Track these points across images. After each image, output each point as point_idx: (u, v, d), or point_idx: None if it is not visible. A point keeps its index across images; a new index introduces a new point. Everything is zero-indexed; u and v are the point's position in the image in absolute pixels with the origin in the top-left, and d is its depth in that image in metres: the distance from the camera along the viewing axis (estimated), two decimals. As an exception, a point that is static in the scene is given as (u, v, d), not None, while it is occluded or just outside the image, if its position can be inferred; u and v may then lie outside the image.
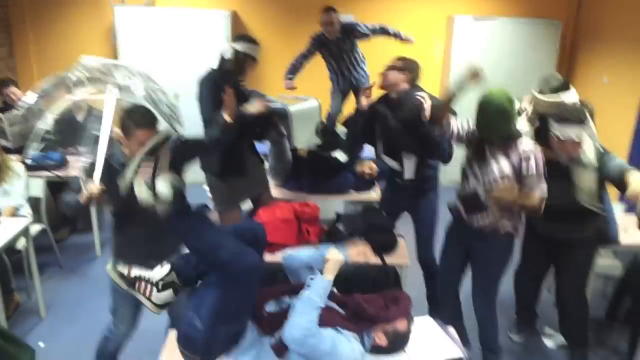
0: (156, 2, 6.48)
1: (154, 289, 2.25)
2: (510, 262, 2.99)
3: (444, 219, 3.31)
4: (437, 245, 3.43)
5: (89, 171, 2.65)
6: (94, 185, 2.48)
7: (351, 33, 4.73)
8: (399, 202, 3.59)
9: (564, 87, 3.01)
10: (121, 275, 2.29)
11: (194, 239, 2.23)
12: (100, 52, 6.60)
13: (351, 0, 6.57)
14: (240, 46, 3.35)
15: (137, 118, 2.46)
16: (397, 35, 4.85)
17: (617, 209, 3.92)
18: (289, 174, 4.17)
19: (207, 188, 3.71)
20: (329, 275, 2.26)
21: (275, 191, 4.10)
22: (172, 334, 2.40)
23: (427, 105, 3.05)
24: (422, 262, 3.62)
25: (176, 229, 2.21)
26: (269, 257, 3.13)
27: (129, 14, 6.15)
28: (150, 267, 2.32)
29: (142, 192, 2.18)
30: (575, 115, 2.72)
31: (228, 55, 3.37)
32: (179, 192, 2.19)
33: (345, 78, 4.94)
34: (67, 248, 4.84)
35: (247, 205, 3.89)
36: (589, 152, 2.84)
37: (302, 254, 2.59)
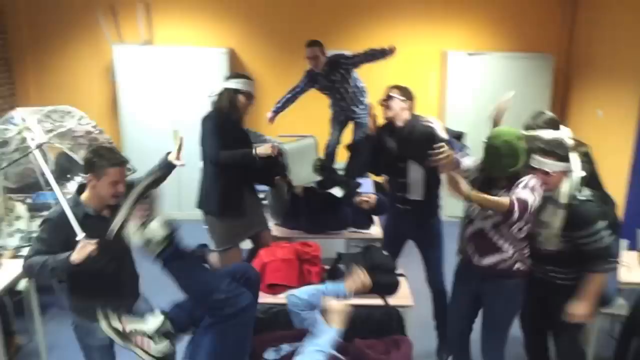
0: (154, 41, 6.56)
1: (151, 342, 2.20)
2: (520, 303, 2.97)
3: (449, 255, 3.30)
4: (447, 268, 3.43)
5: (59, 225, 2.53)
6: (88, 242, 2.40)
7: (337, 64, 4.73)
8: (403, 230, 3.62)
9: (552, 124, 3.04)
10: (117, 331, 2.23)
11: (188, 280, 2.20)
12: (100, 89, 6.67)
13: (345, 36, 6.66)
14: (231, 84, 3.40)
15: (108, 156, 2.47)
16: (383, 52, 4.81)
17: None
18: (287, 212, 4.16)
19: (206, 227, 3.71)
20: (334, 325, 2.23)
21: (274, 230, 4.09)
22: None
23: (438, 124, 3.11)
24: (432, 286, 3.68)
25: (170, 271, 2.18)
26: (270, 299, 3.11)
27: (127, 53, 6.22)
28: (109, 316, 2.27)
29: (135, 235, 2.14)
30: (551, 147, 2.74)
31: (219, 94, 3.43)
32: (173, 233, 2.17)
33: (342, 109, 4.98)
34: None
35: (246, 244, 3.88)
36: (564, 189, 2.77)
37: (303, 291, 2.57)
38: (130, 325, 2.23)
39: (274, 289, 3.17)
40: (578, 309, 2.78)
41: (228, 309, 2.07)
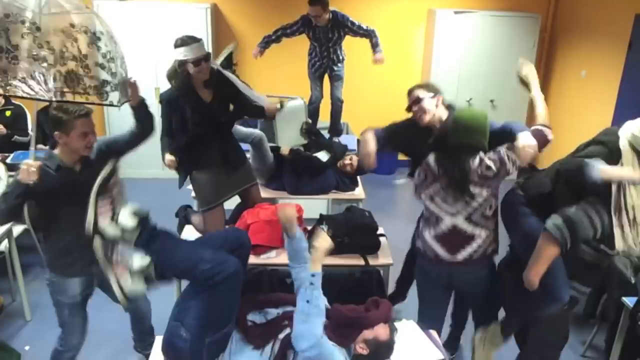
0: (135, -4, 6.39)
1: (129, 279, 2.20)
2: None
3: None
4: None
5: None
6: (31, 164, 2.38)
7: (341, 25, 4.78)
8: None
9: None
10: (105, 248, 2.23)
11: (170, 260, 2.23)
12: (79, 46, 6.51)
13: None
14: (175, 54, 3.23)
15: (73, 109, 2.46)
16: (375, 46, 4.91)
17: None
18: (272, 173, 4.18)
19: (191, 187, 3.70)
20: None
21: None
22: (158, 342, 2.41)
23: None
24: None
25: (150, 255, 2.19)
26: (253, 260, 3.16)
27: (107, 8, 6.06)
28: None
29: (108, 230, 2.17)
30: None
31: (170, 70, 3.35)
32: (143, 220, 2.19)
33: (323, 65, 5.00)
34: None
35: (232, 202, 3.87)
36: None
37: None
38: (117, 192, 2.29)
39: (257, 249, 3.22)
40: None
41: (216, 277, 2.10)
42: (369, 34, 4.88)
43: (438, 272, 2.77)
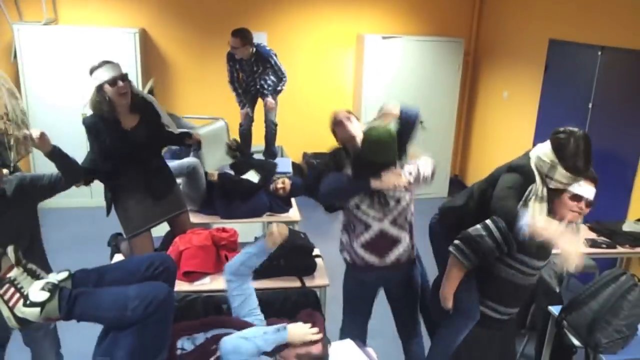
0: (59, 20, 6.20)
1: (21, 301, 1.99)
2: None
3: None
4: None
5: None
6: None
7: (264, 62, 4.87)
8: None
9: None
10: None
11: (97, 318, 2.10)
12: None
13: (263, 16, 6.59)
14: (92, 78, 3.13)
15: None
16: (277, 92, 5.12)
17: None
18: (204, 199, 4.11)
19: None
20: (291, 338, 2.22)
21: (191, 216, 4.01)
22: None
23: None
24: None
25: (78, 319, 2.06)
26: (187, 287, 3.08)
27: (30, 33, 5.84)
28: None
29: (29, 316, 1.99)
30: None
31: (92, 96, 3.17)
32: (55, 290, 2.03)
33: (251, 91, 5.06)
34: None
35: (162, 230, 3.78)
36: None
37: (236, 260, 2.61)
38: (17, 273, 2.03)
39: (190, 276, 3.14)
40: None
41: (148, 309, 2.01)
42: (280, 79, 5.06)
43: (371, 279, 2.93)
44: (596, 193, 2.54)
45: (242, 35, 4.68)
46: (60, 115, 6.06)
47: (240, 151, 4.53)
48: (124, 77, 3.13)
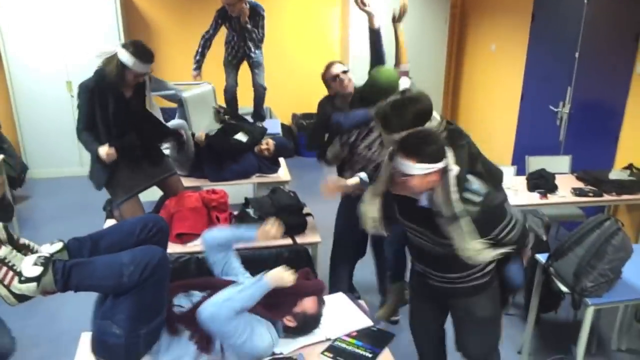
0: (37, -16, 6.05)
1: (16, 278, 1.99)
2: None
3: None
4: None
5: None
6: None
7: (255, 14, 4.71)
8: None
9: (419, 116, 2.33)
10: None
11: (93, 286, 2.11)
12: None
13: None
14: (125, 57, 3.11)
15: None
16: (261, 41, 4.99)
17: (509, 172, 4.24)
18: (192, 163, 4.12)
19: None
20: (271, 283, 2.26)
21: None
22: (85, 338, 2.33)
23: None
24: None
25: (75, 289, 2.07)
26: (180, 248, 3.12)
27: (12, 0, 5.71)
28: None
29: (27, 292, 1.99)
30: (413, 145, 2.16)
31: (109, 58, 3.15)
32: (48, 263, 2.02)
33: (239, 53, 4.94)
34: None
35: (156, 193, 3.79)
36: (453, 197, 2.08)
37: (224, 231, 2.60)
38: (6, 251, 2.02)
39: (183, 238, 3.17)
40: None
41: (144, 273, 2.02)
42: (261, 40, 4.96)
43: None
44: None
45: None
46: (42, 80, 6.01)
47: (228, 115, 4.51)
48: (150, 77, 3.31)
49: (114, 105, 3.18)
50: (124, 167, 3.36)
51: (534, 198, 3.82)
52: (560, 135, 5.02)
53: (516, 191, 3.84)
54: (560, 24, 5.15)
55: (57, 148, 6.24)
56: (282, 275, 2.30)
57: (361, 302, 2.66)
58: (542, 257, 3.10)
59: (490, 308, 2.41)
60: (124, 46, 3.14)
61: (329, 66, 3.32)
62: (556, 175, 4.01)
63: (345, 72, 3.26)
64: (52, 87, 6.03)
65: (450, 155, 2.05)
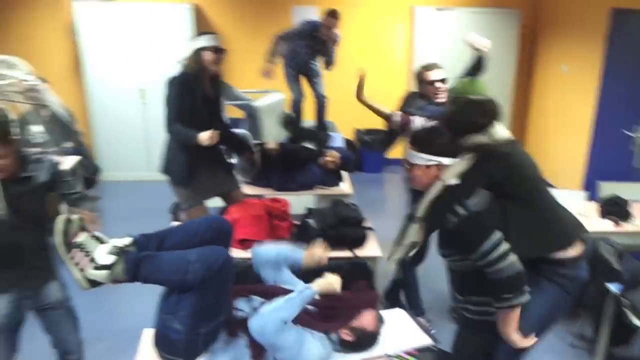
0: (116, -3, 6.36)
1: (91, 265, 2.09)
2: None
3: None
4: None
5: None
6: None
7: (331, 42, 4.93)
8: None
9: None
10: (64, 234, 2.09)
11: (160, 280, 2.17)
12: (61, 48, 6.47)
13: (314, -9, 6.57)
14: (194, 44, 3.33)
15: None
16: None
17: (579, 197, 4.07)
18: (257, 171, 4.18)
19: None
20: (316, 288, 2.28)
21: (244, 188, 4.09)
22: (146, 334, 2.39)
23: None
24: None
25: (143, 281, 2.14)
26: (241, 254, 3.15)
27: (89, 9, 6.02)
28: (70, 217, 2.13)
29: (98, 278, 2.09)
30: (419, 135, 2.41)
31: (189, 57, 3.34)
32: (121, 252, 2.12)
33: (302, 66, 5.07)
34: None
35: (216, 202, 3.87)
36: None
37: (272, 249, 2.60)
38: (84, 238, 2.13)
39: (244, 244, 3.21)
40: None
41: (209, 272, 2.07)
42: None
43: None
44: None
45: (339, 17, 4.80)
46: (116, 88, 6.27)
47: (295, 124, 4.59)
48: (223, 50, 3.36)
49: (200, 102, 3.33)
50: (203, 170, 3.47)
51: (607, 225, 3.66)
52: (635, 160, 4.79)
53: (587, 217, 3.68)
54: (638, 45, 4.94)
55: (128, 152, 6.49)
56: (329, 281, 2.30)
57: (421, 319, 2.61)
58: (614, 287, 2.96)
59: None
60: (192, 39, 3.38)
61: (428, 67, 3.32)
62: (631, 203, 3.82)
63: (443, 80, 3.23)
64: (126, 95, 6.28)
65: (460, 163, 2.08)
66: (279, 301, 2.18)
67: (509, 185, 2.17)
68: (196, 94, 3.33)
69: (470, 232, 2.04)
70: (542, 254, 2.21)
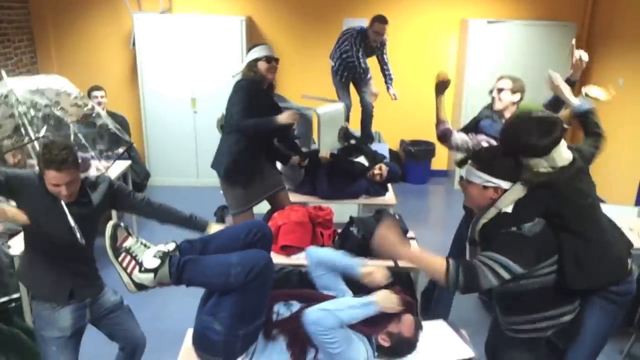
0: (173, 9, 6.59)
1: (137, 268, 2.19)
2: None
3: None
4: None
5: None
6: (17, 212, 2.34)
7: (382, 45, 5.07)
8: None
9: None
10: (113, 239, 2.20)
11: (203, 283, 2.26)
12: (121, 58, 6.75)
13: (365, 2, 6.60)
14: (251, 55, 3.50)
15: (48, 156, 2.22)
16: (387, 78, 5.35)
17: (631, 213, 3.94)
18: (301, 180, 4.23)
19: (221, 192, 3.79)
20: (380, 308, 2.27)
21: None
22: (190, 334, 2.45)
23: None
24: None
25: (187, 284, 2.23)
26: (283, 260, 3.20)
27: (147, 21, 6.26)
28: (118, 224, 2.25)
29: (145, 282, 2.19)
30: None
31: (245, 68, 3.52)
32: (166, 256, 2.20)
33: (352, 74, 5.14)
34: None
35: (263, 207, 3.94)
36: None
37: (330, 252, 2.62)
38: (131, 242, 2.23)
39: (287, 250, 3.25)
40: None
41: (250, 275, 2.12)
42: (385, 66, 5.33)
43: None
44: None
45: (387, 22, 4.93)
46: (170, 101, 6.48)
47: (352, 138, 4.62)
48: (276, 59, 3.53)
49: (264, 108, 3.48)
50: (257, 173, 3.63)
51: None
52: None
53: (638, 233, 3.56)
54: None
55: (177, 159, 6.67)
56: (391, 300, 2.28)
57: (463, 331, 2.57)
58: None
59: None
60: (247, 53, 3.56)
61: (500, 77, 3.32)
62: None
63: (500, 90, 3.23)
64: (178, 104, 6.48)
65: (516, 190, 2.07)
66: (341, 302, 2.21)
67: (564, 216, 2.17)
68: (261, 100, 3.48)
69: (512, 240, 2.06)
70: (601, 286, 2.26)
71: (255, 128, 3.45)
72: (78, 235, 2.37)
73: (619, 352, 3.57)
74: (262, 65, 3.47)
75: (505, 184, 2.11)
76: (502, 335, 2.39)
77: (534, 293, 2.18)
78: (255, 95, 3.44)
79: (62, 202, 2.35)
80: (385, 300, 2.28)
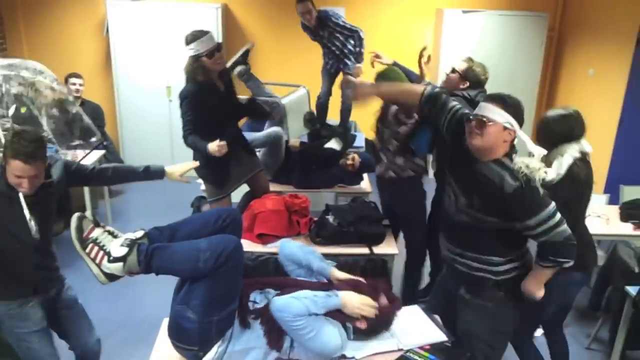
0: (147, -4, 6.50)
1: (106, 258, 2.17)
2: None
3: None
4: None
5: None
6: None
7: (325, 22, 4.60)
8: None
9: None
10: (79, 230, 2.18)
11: (172, 269, 2.24)
12: (94, 46, 6.65)
13: (340, -7, 6.60)
14: (189, 51, 3.30)
15: (16, 146, 2.19)
16: (358, 54, 4.72)
17: (600, 200, 4.05)
18: (279, 168, 4.24)
19: (199, 181, 3.78)
20: (342, 306, 2.27)
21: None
22: (164, 324, 2.45)
23: None
24: None
25: (156, 272, 2.22)
26: (260, 248, 3.22)
27: (121, 8, 6.17)
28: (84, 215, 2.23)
29: (115, 271, 2.17)
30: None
31: (186, 65, 3.36)
32: (133, 245, 2.19)
33: (331, 60, 4.94)
34: (63, 241, 4.86)
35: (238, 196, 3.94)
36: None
37: (299, 250, 2.64)
38: (98, 233, 2.21)
39: (264, 238, 3.27)
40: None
41: (219, 259, 2.12)
42: (352, 34, 4.65)
43: None
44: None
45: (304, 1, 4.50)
46: (144, 89, 6.41)
47: (318, 122, 4.60)
48: (219, 48, 3.33)
49: (214, 102, 3.38)
50: (230, 162, 3.55)
51: (627, 229, 3.64)
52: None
53: (607, 220, 3.66)
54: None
55: (152, 148, 6.61)
56: (354, 305, 2.26)
57: (436, 316, 2.63)
58: (632, 290, 2.94)
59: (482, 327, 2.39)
60: (185, 44, 3.31)
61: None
62: (653, 207, 3.78)
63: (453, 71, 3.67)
64: (152, 92, 6.41)
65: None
66: (308, 292, 2.21)
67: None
68: (209, 101, 3.37)
69: (532, 199, 2.13)
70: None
71: (194, 148, 3.42)
72: (33, 229, 2.35)
73: (586, 336, 3.68)
74: (206, 62, 3.30)
75: (520, 132, 2.21)
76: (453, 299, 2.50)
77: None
78: (199, 104, 3.33)
79: (20, 194, 2.32)
80: (350, 302, 2.26)
